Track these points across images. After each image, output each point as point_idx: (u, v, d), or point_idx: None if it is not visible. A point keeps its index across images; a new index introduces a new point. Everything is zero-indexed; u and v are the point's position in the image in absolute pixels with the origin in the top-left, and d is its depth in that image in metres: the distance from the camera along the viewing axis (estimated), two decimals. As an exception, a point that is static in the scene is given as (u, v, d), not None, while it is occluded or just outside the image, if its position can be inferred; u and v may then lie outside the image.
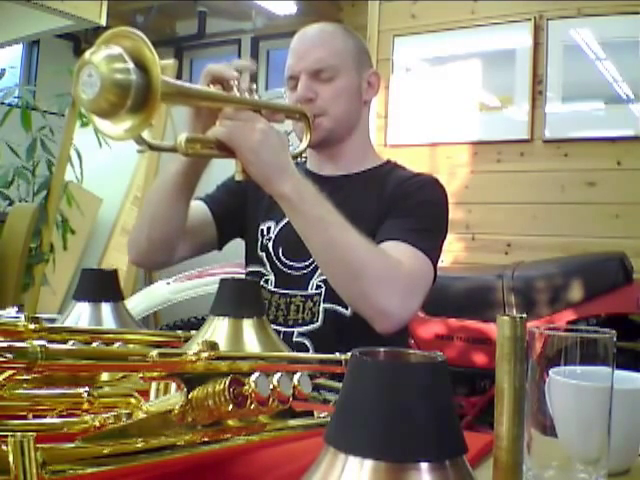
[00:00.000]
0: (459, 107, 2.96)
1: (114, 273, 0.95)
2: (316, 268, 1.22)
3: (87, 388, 0.63)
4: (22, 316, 0.68)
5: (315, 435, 0.64)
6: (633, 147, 2.61)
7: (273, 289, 1.27)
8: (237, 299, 0.75)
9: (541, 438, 0.60)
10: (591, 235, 2.63)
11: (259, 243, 1.32)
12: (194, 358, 0.54)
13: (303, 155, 1.33)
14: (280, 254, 1.28)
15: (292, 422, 0.66)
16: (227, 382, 0.53)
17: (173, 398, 0.56)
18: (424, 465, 0.36)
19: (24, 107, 3.39)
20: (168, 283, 2.73)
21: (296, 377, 0.59)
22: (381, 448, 0.36)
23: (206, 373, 0.55)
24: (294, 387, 0.58)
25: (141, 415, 0.56)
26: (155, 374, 0.54)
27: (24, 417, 0.59)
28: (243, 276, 1.37)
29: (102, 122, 0.82)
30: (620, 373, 0.64)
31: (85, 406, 0.61)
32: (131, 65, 0.78)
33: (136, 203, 3.33)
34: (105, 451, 0.50)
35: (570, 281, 2.09)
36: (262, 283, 1.28)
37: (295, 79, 1.26)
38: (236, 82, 1.03)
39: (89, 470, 0.48)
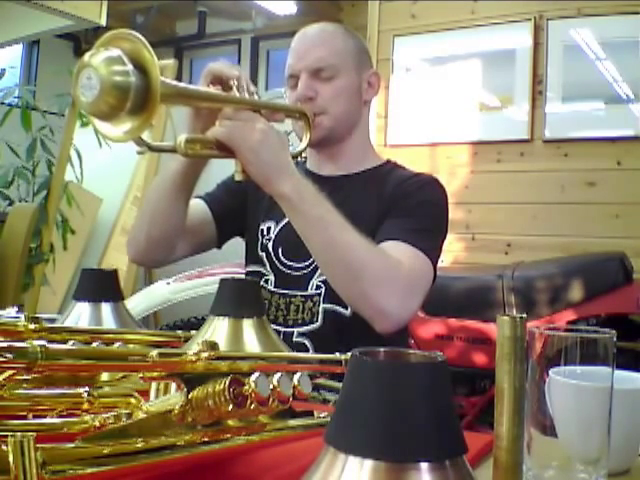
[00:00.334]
0: (459, 107, 2.96)
1: (114, 273, 0.95)
2: (316, 268, 1.22)
3: (87, 388, 0.63)
4: (22, 316, 0.68)
5: (315, 435, 0.64)
6: (633, 147, 2.61)
7: (273, 289, 1.27)
8: (237, 299, 0.75)
9: (541, 438, 0.60)
10: (591, 235, 2.63)
11: (259, 243, 1.32)
12: (194, 358, 0.54)
13: (303, 155, 1.33)
14: (280, 254, 1.28)
15: (292, 422, 0.66)
16: (227, 382, 0.53)
17: (173, 398, 0.56)
18: (424, 465, 0.36)
19: (24, 107, 3.39)
20: (168, 283, 2.73)
21: (296, 377, 0.59)
22: (381, 448, 0.36)
23: (206, 373, 0.55)
24: (294, 387, 0.58)
25: (141, 415, 0.56)
26: (155, 374, 0.54)
27: (24, 417, 0.59)
28: (243, 276, 1.37)
29: (102, 124, 0.82)
30: (620, 373, 0.64)
31: (85, 406, 0.61)
32: (130, 67, 0.78)
33: (136, 203, 3.33)
34: (105, 451, 0.50)
35: (570, 281, 2.09)
36: (262, 283, 1.28)
37: (295, 78, 1.26)
38: (236, 82, 1.03)
39: (89, 470, 0.48)
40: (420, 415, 0.36)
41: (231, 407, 0.53)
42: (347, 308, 1.19)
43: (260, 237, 1.32)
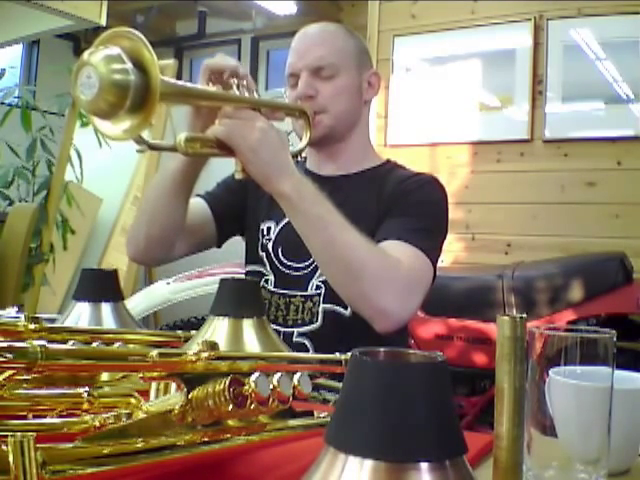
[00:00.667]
0: (459, 107, 2.96)
1: (114, 273, 0.95)
2: (316, 268, 1.22)
3: (87, 388, 0.63)
4: (22, 316, 0.68)
5: (315, 435, 0.64)
6: (633, 147, 2.61)
7: (273, 289, 1.27)
8: (237, 299, 0.75)
9: (541, 438, 0.60)
10: (591, 235, 2.63)
11: (259, 243, 1.32)
12: (194, 358, 0.54)
13: (303, 155, 1.33)
14: (280, 254, 1.28)
15: (292, 422, 0.66)
16: (227, 382, 0.53)
17: (173, 398, 0.56)
18: (424, 465, 0.36)
19: (24, 107, 3.39)
20: (168, 283, 2.73)
21: (296, 377, 0.59)
22: (381, 448, 0.36)
23: (206, 373, 0.55)
24: (294, 387, 0.58)
25: (141, 415, 0.56)
26: (155, 374, 0.54)
27: (24, 417, 0.59)
28: (243, 276, 1.37)
29: (101, 123, 0.82)
30: (620, 373, 0.64)
31: (85, 406, 0.61)
32: (130, 65, 0.78)
33: (136, 203, 3.33)
34: (105, 451, 0.50)
35: (570, 281, 2.09)
36: (262, 283, 1.28)
37: (296, 77, 1.26)
38: (235, 79, 1.03)
39: (89, 470, 0.48)
40: (420, 415, 0.36)
41: (231, 407, 0.53)
42: (347, 308, 1.19)
43: (260, 237, 1.32)
